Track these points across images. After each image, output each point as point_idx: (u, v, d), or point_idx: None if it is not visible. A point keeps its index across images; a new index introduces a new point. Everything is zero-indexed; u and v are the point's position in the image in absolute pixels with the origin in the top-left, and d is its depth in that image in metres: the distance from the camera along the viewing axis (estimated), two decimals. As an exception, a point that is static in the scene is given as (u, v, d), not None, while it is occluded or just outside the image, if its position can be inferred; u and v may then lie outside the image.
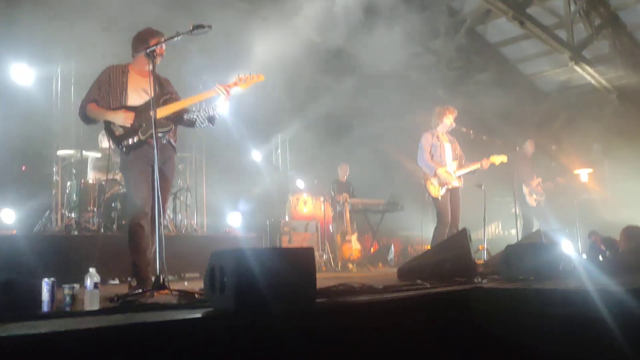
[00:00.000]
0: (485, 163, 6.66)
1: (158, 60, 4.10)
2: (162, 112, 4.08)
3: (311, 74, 9.20)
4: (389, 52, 10.30)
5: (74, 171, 7.23)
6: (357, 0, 9.29)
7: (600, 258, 5.58)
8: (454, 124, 6.67)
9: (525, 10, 8.67)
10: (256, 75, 4.32)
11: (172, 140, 4.31)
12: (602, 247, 5.42)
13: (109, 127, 4.09)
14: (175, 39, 3.93)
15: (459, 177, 6.64)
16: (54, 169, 7.53)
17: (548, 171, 8.92)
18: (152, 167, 3.92)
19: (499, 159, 6.73)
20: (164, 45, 4.08)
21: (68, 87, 8.12)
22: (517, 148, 7.80)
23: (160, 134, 4.09)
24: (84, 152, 7.26)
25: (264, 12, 8.51)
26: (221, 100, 4.21)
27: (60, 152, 7.43)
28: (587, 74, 10.46)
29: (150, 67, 3.97)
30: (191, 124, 4.37)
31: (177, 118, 4.29)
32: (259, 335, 2.45)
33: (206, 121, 4.33)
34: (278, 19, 8.74)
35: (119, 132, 4.05)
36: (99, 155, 7.37)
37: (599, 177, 11.10)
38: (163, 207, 4.18)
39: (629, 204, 10.42)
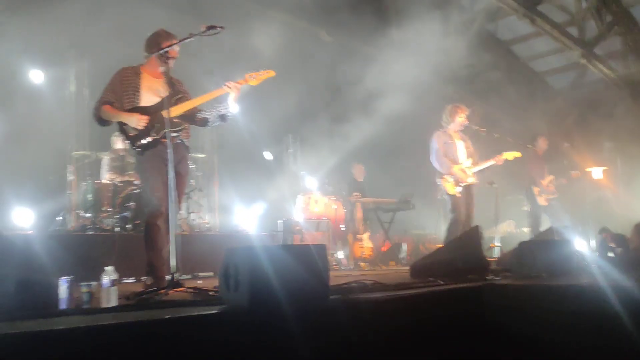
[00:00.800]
0: (499, 159, 6.66)
1: (171, 62, 4.15)
2: (175, 111, 4.12)
3: (322, 73, 9.23)
4: (398, 50, 10.33)
5: (88, 172, 7.31)
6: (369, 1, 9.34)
7: (611, 255, 5.55)
8: (466, 122, 6.67)
9: (536, 8, 8.66)
10: (266, 71, 4.35)
11: (185, 140, 4.35)
12: (612, 244, 5.39)
13: (122, 128, 4.14)
14: (188, 40, 3.97)
15: (474, 174, 6.63)
16: (69, 169, 7.61)
17: (561, 169, 8.88)
18: (167, 166, 3.97)
19: (512, 154, 6.73)
20: (176, 48, 4.12)
21: (82, 88, 8.20)
22: (529, 146, 7.78)
23: (174, 134, 4.13)
24: (98, 153, 7.35)
25: (272, 11, 8.55)
26: (231, 97, 4.26)
27: (75, 153, 7.52)
28: (598, 71, 10.40)
29: (163, 69, 4.01)
30: (204, 122, 4.42)
31: (190, 117, 4.34)
32: (273, 331, 2.48)
33: (218, 120, 4.39)
34: (287, 18, 8.80)
35: (132, 132, 4.10)
36: (113, 156, 7.45)
37: (612, 174, 11.02)
38: (178, 206, 4.23)
39: (641, 201, 10.36)
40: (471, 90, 11.53)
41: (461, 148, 6.70)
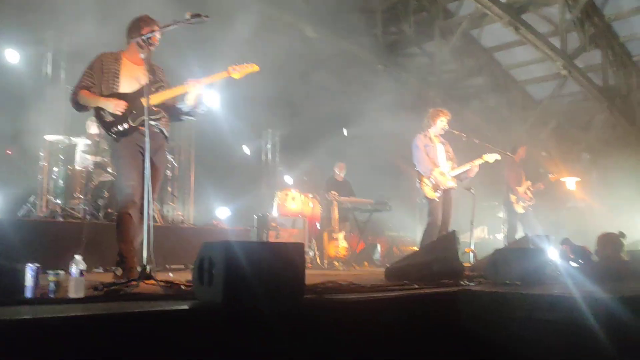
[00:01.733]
0: (479, 161, 6.67)
1: (152, 48, 4.07)
2: (154, 99, 4.04)
3: (304, 70, 9.19)
4: (383, 51, 10.34)
5: (61, 157, 7.13)
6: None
7: (575, 265, 5.60)
8: (446, 127, 6.67)
9: (521, 17, 8.71)
10: (250, 65, 4.27)
11: (164, 129, 4.27)
12: (571, 255, 5.43)
13: (99, 114, 4.04)
14: (171, 27, 3.88)
15: (454, 177, 6.63)
16: (41, 154, 7.43)
17: (537, 178, 8.96)
18: (143, 155, 3.88)
19: (492, 157, 6.74)
20: (158, 35, 4.04)
21: (59, 70, 8.01)
22: (508, 154, 7.83)
23: (152, 122, 4.06)
24: (72, 138, 7.17)
25: (259, 5, 8.47)
26: (190, 96, 4.15)
27: (48, 137, 7.33)
28: (578, 83, 10.53)
29: (143, 55, 3.92)
30: (179, 114, 4.33)
31: (169, 107, 4.25)
32: (245, 328, 2.42)
33: (184, 115, 4.32)
34: (273, 12, 8.72)
35: (108, 118, 4.00)
36: (87, 141, 7.28)
37: (587, 185, 11.19)
38: (152, 196, 4.14)
39: (614, 212, 10.52)
40: (453, 95, 11.59)
41: (441, 151, 6.70)
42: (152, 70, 4.22)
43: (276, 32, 8.74)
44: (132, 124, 4.00)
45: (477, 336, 3.24)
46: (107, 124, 4.01)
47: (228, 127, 9.78)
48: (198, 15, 3.80)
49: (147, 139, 3.62)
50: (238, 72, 4.22)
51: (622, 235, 5.75)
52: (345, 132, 12.37)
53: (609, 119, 11.63)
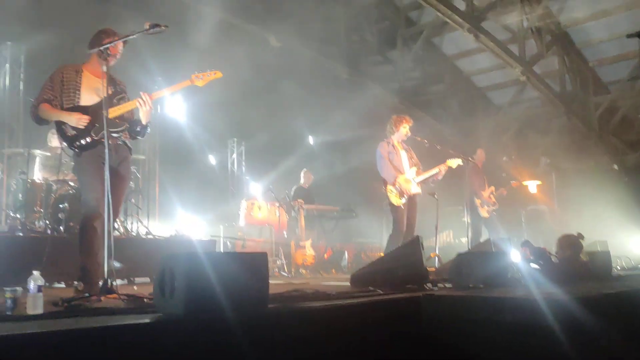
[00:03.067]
0: (443, 167, 6.77)
1: (112, 60, 4.03)
2: (115, 111, 4.01)
3: (268, 79, 9.20)
4: (347, 60, 10.43)
5: (20, 170, 6.96)
6: (316, 9, 9.38)
7: (535, 266, 5.71)
8: (409, 133, 6.75)
9: (480, 25, 8.89)
10: (213, 72, 4.26)
11: (127, 141, 4.23)
12: (531, 257, 5.55)
13: (60, 128, 3.98)
14: (131, 37, 3.87)
15: (418, 183, 6.70)
16: (-1, 167, 7.24)
17: (499, 182, 9.14)
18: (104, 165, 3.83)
19: (455, 162, 6.85)
20: (119, 46, 4.02)
21: (17, 82, 7.85)
22: (470, 159, 7.96)
23: (115, 134, 4.02)
24: (32, 151, 7.01)
25: (223, 14, 8.46)
26: (142, 112, 4.08)
27: (7, 150, 7.15)
28: (537, 89, 10.80)
29: (104, 67, 3.88)
30: (134, 129, 4.23)
31: (130, 120, 4.21)
32: (208, 341, 2.40)
33: (137, 134, 4.23)
34: (236, 22, 8.73)
35: (70, 132, 3.95)
36: (47, 154, 7.13)
37: (547, 188, 11.45)
38: (117, 209, 4.08)
39: (574, 215, 10.79)
40: (415, 102, 11.75)
41: (405, 158, 6.77)
42: (113, 82, 4.18)
43: (240, 42, 8.75)
44: (94, 137, 3.95)
45: (440, 340, 3.28)
46: (69, 138, 3.96)
47: (193, 137, 9.72)
48: (157, 25, 3.79)
49: (106, 151, 3.57)
50: (201, 79, 4.22)
51: (580, 237, 5.88)
52: (311, 140, 12.42)
53: (567, 124, 11.94)
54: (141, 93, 4.05)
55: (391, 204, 6.59)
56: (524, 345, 3.10)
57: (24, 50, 7.70)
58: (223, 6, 8.32)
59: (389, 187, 6.57)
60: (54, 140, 7.15)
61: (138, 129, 4.20)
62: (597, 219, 9.91)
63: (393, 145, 6.74)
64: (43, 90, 4.04)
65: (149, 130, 4.26)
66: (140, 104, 4.05)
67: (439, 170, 6.75)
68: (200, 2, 8.28)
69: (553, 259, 5.70)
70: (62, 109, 3.98)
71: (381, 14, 10.53)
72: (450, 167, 6.81)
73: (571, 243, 5.82)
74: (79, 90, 4.04)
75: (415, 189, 6.64)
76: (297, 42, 9.51)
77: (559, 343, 2.96)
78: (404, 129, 6.72)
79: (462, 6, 8.76)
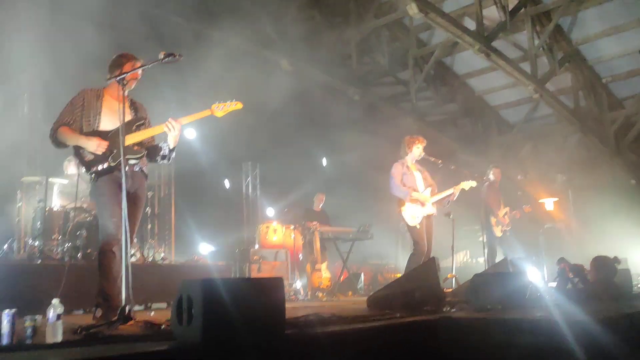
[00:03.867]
0: (457, 188, 6.75)
1: (132, 84, 4.06)
2: (134, 138, 4.03)
3: (281, 102, 9.27)
4: (359, 81, 10.50)
5: (38, 198, 7.06)
6: (327, 31, 9.49)
7: (569, 286, 5.62)
8: (423, 154, 6.75)
9: (491, 44, 8.92)
10: (234, 102, 4.27)
11: (144, 168, 4.24)
12: (571, 274, 5.45)
13: (78, 152, 3.99)
14: (146, 66, 3.93)
15: (433, 203, 6.68)
16: (18, 195, 7.34)
17: (515, 200, 9.08)
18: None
19: (468, 184, 6.84)
20: (139, 71, 4.05)
21: (36, 111, 7.97)
22: (484, 178, 7.94)
23: (133, 161, 4.04)
24: (50, 179, 7.12)
25: (235, 40, 8.58)
26: (170, 137, 4.10)
27: (25, 179, 7.26)
28: (550, 106, 10.76)
29: (122, 93, 3.93)
30: (156, 155, 4.27)
31: (148, 146, 4.24)
32: (226, 367, 2.41)
33: (160, 158, 4.26)
34: (248, 47, 8.84)
35: (88, 157, 3.96)
36: (64, 181, 7.23)
37: (563, 206, 11.34)
38: (131, 235, 4.10)
39: (592, 232, 10.67)
40: (428, 123, 11.76)
41: (419, 178, 6.77)
42: (134, 107, 4.22)
43: (252, 66, 8.85)
44: (111, 164, 3.94)
45: (459, 363, 3.24)
46: (86, 163, 3.97)
47: (208, 162, 9.79)
48: (172, 55, 3.85)
49: (123, 179, 3.59)
50: (221, 110, 4.22)
51: (617, 260, 5.71)
52: (324, 162, 12.46)
53: (582, 140, 11.86)
54: (170, 119, 4.05)
55: (407, 225, 6.57)
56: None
57: (42, 78, 7.83)
58: (235, 31, 8.44)
59: (403, 208, 6.55)
60: (70, 168, 7.26)
61: (165, 153, 4.20)
62: (615, 235, 9.77)
63: (407, 167, 6.74)
64: (63, 114, 4.05)
65: (174, 155, 4.26)
66: (169, 129, 4.05)
67: (453, 191, 6.74)
68: (211, 28, 8.41)
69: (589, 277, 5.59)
70: (82, 133, 3.99)
71: (392, 35, 10.60)
72: (463, 189, 6.80)
73: (605, 265, 5.67)
74: (99, 115, 4.05)
75: (430, 210, 6.62)
76: (309, 66, 9.60)
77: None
78: (417, 150, 6.73)
79: (472, 26, 8.80)
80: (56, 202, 7.12)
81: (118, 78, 3.87)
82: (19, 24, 6.92)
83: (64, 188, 7.20)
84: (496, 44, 9.13)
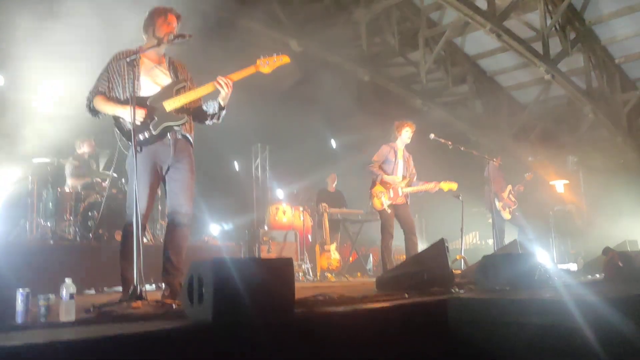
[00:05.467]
0: (435, 187, 6.74)
1: (167, 38, 3.80)
2: (177, 102, 3.80)
3: (291, 83, 9.24)
4: (368, 62, 10.42)
5: (50, 179, 7.12)
6: (337, 12, 9.39)
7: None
8: (411, 137, 6.80)
9: (503, 24, 8.81)
10: (280, 56, 3.97)
11: (188, 135, 3.97)
12: (620, 263, 5.33)
13: (117, 122, 3.75)
14: (154, 47, 3.86)
15: (406, 194, 6.70)
16: (30, 177, 7.40)
17: (518, 179, 9.00)
18: (161, 166, 3.79)
19: (447, 186, 6.79)
20: (173, 23, 3.84)
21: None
22: (493, 160, 7.90)
23: (175, 128, 3.82)
24: (61, 160, 7.17)
25: (244, 21, 8.52)
26: (222, 95, 3.91)
27: (36, 160, 7.31)
28: (562, 87, 10.65)
29: (163, 51, 3.82)
30: (205, 116, 4.06)
31: (192, 109, 3.98)
32: (236, 346, 2.44)
33: (212, 118, 4.08)
34: (257, 28, 8.78)
35: (128, 127, 3.67)
36: (76, 162, 7.28)
37: (574, 188, 11.29)
38: (183, 207, 3.89)
39: (602, 214, 10.61)
40: (438, 103, 11.69)
41: (400, 167, 6.79)
42: (173, 68, 3.98)
43: (262, 47, 8.79)
44: (153, 132, 3.73)
45: (467, 343, 3.26)
46: (127, 133, 3.70)
47: (217, 144, 9.79)
48: (182, 36, 3.83)
49: (135, 159, 3.44)
50: (268, 65, 3.93)
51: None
52: (333, 143, 12.43)
53: (594, 122, 11.76)
54: (219, 76, 3.82)
55: (376, 209, 6.65)
56: (552, 347, 3.06)
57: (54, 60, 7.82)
58: (243, 13, 8.39)
59: (374, 190, 6.61)
60: (82, 146, 7.31)
61: (215, 111, 4.00)
62: (626, 217, 9.72)
63: (394, 152, 6.77)
64: (98, 82, 3.82)
65: (224, 113, 4.07)
66: (221, 86, 3.82)
67: (433, 187, 6.72)
68: (220, 9, 8.35)
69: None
70: (119, 101, 3.74)
71: (402, 16, 10.49)
72: (441, 189, 6.78)
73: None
74: (138, 79, 3.75)
75: (401, 199, 6.62)
76: (318, 46, 9.54)
77: (588, 344, 2.92)
78: (407, 133, 6.78)
79: (483, 5, 8.69)
80: (68, 182, 7.19)
81: (129, 60, 3.69)
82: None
83: (76, 168, 7.26)
84: (508, 23, 9.02)
